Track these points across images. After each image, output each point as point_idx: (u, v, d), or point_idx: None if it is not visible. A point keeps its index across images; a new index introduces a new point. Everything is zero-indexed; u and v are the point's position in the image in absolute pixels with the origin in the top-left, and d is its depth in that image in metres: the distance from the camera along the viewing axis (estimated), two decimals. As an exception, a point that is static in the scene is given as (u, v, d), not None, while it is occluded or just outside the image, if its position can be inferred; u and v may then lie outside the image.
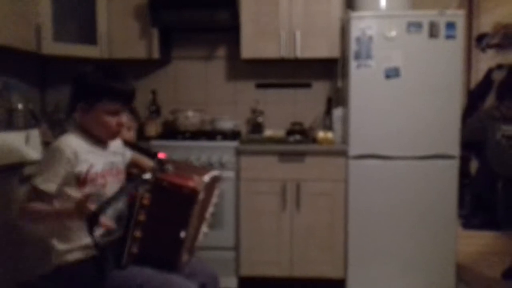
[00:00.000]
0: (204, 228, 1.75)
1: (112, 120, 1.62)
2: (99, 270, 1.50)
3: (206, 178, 1.59)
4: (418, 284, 2.81)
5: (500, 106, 2.94)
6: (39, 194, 1.51)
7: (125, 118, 1.68)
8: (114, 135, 1.68)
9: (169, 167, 1.56)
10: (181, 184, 1.50)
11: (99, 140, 1.67)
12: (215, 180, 1.69)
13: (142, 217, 1.48)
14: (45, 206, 1.53)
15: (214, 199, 1.75)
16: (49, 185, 1.52)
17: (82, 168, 1.57)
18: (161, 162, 1.59)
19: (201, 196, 1.55)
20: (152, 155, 1.68)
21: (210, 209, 1.74)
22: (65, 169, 1.53)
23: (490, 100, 3.83)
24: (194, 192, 1.51)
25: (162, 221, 1.52)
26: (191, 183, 1.51)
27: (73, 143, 1.58)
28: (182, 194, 1.50)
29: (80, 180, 1.57)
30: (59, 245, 1.58)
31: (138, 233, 1.48)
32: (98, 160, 1.63)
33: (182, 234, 1.53)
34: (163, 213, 1.51)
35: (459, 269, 2.89)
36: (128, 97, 1.66)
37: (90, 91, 1.59)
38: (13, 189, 2.13)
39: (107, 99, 1.59)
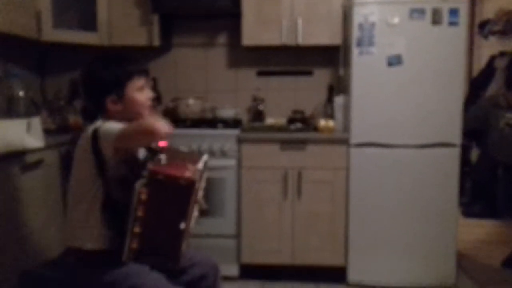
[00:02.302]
0: (195, 212, 1.73)
1: (142, 96, 1.66)
2: (116, 260, 1.51)
3: (200, 165, 1.59)
4: (419, 272, 2.83)
5: (508, 94, 2.92)
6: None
7: (150, 91, 1.71)
8: (148, 109, 1.69)
9: (162, 157, 1.55)
10: (177, 176, 1.48)
11: None
12: (205, 166, 1.69)
13: (140, 212, 1.47)
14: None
15: (203, 184, 1.73)
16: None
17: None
18: (153, 152, 1.58)
19: (197, 185, 1.54)
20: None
21: (200, 193, 1.72)
22: None
23: (493, 88, 3.81)
24: (191, 183, 1.49)
25: (161, 215, 1.50)
26: (187, 173, 1.49)
27: None
28: (179, 186, 1.48)
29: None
30: (78, 232, 1.58)
31: (137, 229, 1.48)
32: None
33: (182, 226, 1.52)
34: (161, 206, 1.50)
35: (459, 257, 2.90)
36: (145, 71, 1.71)
37: (113, 82, 1.61)
38: (15, 177, 2.13)
39: (131, 80, 1.63)
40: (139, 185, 1.48)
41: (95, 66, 1.64)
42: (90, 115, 1.66)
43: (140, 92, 1.65)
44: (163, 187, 1.48)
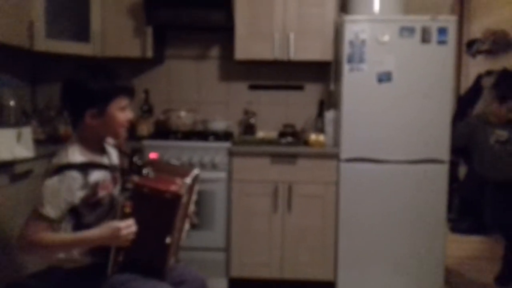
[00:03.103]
0: (186, 226, 1.72)
1: (123, 116, 1.59)
2: (100, 275, 1.49)
3: (188, 179, 1.55)
4: (407, 287, 2.84)
5: (500, 109, 2.95)
6: (46, 222, 1.44)
7: (131, 113, 1.64)
8: (125, 131, 1.63)
9: (148, 171, 1.51)
10: (163, 190, 1.45)
11: (101, 147, 1.65)
12: (195, 180, 1.66)
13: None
14: (62, 235, 1.47)
15: (194, 197, 1.71)
16: (57, 212, 1.46)
17: (89, 191, 1.53)
18: (138, 167, 1.54)
19: (184, 199, 1.52)
20: (135, 168, 1.59)
21: (191, 207, 1.71)
22: (70, 196, 1.48)
23: (480, 106, 3.87)
24: (176, 196, 1.46)
25: (146, 228, 1.47)
26: (173, 187, 1.46)
27: (78, 159, 1.53)
28: (165, 200, 1.45)
29: (89, 204, 1.53)
30: (60, 255, 1.54)
31: None
32: (100, 172, 1.59)
33: (168, 240, 1.49)
34: (146, 220, 1.46)
35: (447, 273, 2.91)
36: (132, 91, 1.64)
37: (99, 95, 1.53)
38: (4, 187, 2.11)
39: (117, 97, 1.56)
40: (122, 198, 1.46)
41: (83, 75, 1.55)
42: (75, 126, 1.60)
43: (121, 112, 1.58)
44: (147, 200, 1.46)
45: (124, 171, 1.56)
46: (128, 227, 1.44)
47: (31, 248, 1.45)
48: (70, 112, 1.60)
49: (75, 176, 1.48)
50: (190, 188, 1.61)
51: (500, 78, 3.77)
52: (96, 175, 1.55)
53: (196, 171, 1.64)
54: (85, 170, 1.52)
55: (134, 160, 1.57)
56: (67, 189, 1.47)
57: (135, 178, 1.47)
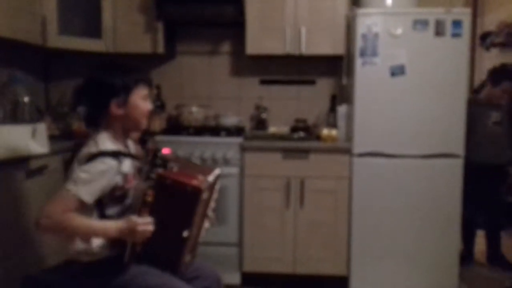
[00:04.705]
0: (206, 224, 1.74)
1: (144, 105, 1.68)
2: (116, 268, 1.52)
3: (211, 178, 1.58)
4: (421, 283, 2.82)
5: (494, 91, 3.03)
6: (78, 204, 1.48)
7: (150, 103, 1.72)
8: (147, 120, 1.71)
9: (173, 166, 1.56)
10: (185, 182, 1.48)
11: (124, 141, 1.70)
12: (217, 179, 1.70)
13: (144, 214, 1.48)
14: (86, 220, 1.50)
15: (215, 195, 1.74)
16: (91, 196, 1.49)
17: (122, 179, 1.58)
18: (163, 161, 1.58)
19: (204, 195, 1.54)
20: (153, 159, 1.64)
21: (212, 204, 1.73)
22: (106, 182, 1.53)
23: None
24: (197, 191, 1.49)
25: (164, 220, 1.50)
26: (194, 182, 1.49)
27: (110, 147, 1.59)
28: (186, 192, 1.48)
29: (116, 195, 1.58)
30: (79, 244, 1.56)
31: None
32: (129, 162, 1.64)
33: (185, 233, 1.52)
34: (166, 212, 1.50)
35: (461, 267, 2.89)
36: (150, 80, 1.75)
37: (121, 85, 1.61)
38: (19, 182, 2.13)
39: (137, 87, 1.65)
40: (145, 186, 1.50)
41: (104, 69, 1.65)
42: (92, 122, 1.66)
43: (143, 101, 1.67)
44: (169, 191, 1.49)
45: (150, 163, 1.59)
46: (145, 224, 1.47)
47: (56, 227, 1.47)
48: (93, 107, 1.64)
49: (111, 163, 1.54)
50: (211, 186, 1.63)
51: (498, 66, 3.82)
52: (126, 165, 1.61)
53: (217, 171, 1.67)
54: (119, 158, 1.57)
55: (159, 154, 1.60)
56: (104, 174, 1.51)
57: (160, 170, 1.52)
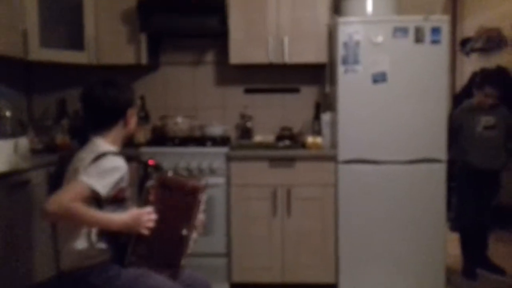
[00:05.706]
0: (194, 235, 1.75)
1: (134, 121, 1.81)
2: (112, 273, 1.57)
3: (203, 181, 1.71)
4: (409, 287, 2.83)
5: (479, 93, 3.07)
6: (90, 195, 1.52)
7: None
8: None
9: (169, 171, 1.74)
10: (184, 183, 1.67)
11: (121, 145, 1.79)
12: (204, 189, 1.75)
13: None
14: (93, 210, 1.53)
15: (202, 206, 1.76)
16: (105, 190, 1.54)
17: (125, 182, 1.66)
18: (158, 169, 1.71)
19: (202, 195, 1.66)
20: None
21: (200, 215, 1.74)
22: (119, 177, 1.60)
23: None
24: (196, 189, 1.64)
25: (165, 219, 1.60)
26: (193, 182, 1.67)
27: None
28: (185, 191, 1.63)
29: (117, 198, 1.64)
30: (81, 244, 1.58)
31: None
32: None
33: (184, 232, 1.62)
34: (166, 211, 1.61)
35: (448, 272, 2.91)
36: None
37: (126, 104, 1.73)
38: (1, 198, 2.10)
39: (133, 105, 1.80)
40: (149, 185, 1.61)
41: (109, 84, 1.71)
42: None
43: (133, 117, 1.79)
44: (170, 191, 1.63)
45: (144, 173, 1.70)
46: (148, 213, 1.58)
47: (63, 212, 1.49)
48: (111, 117, 1.71)
49: (121, 162, 1.62)
50: (206, 188, 1.74)
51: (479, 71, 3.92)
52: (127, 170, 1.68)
53: (205, 180, 1.77)
54: (125, 160, 1.66)
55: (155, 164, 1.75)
56: (117, 170, 1.59)
57: (158, 174, 1.65)
